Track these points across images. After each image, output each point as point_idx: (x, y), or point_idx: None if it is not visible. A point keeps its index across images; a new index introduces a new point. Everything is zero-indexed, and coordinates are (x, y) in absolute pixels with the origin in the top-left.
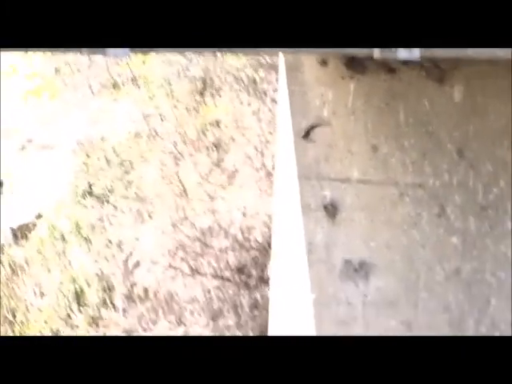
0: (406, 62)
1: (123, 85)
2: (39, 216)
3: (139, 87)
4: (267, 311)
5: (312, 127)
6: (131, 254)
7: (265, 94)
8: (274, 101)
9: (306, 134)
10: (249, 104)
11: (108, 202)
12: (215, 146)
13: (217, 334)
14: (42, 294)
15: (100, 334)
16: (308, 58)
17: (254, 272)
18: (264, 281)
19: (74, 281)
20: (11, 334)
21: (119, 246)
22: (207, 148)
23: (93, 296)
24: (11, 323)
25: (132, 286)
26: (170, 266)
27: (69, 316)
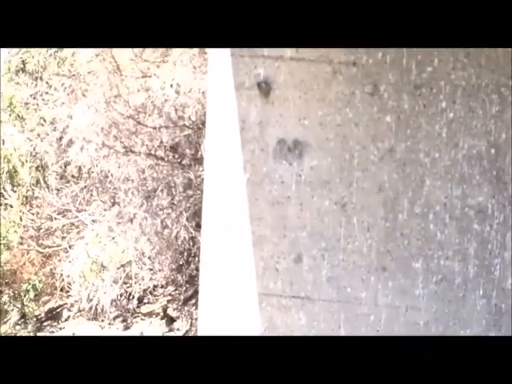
0: None
1: None
2: None
3: None
4: (201, 191)
5: None
6: (64, 132)
7: None
8: None
9: None
10: None
11: (41, 79)
12: None
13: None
14: None
15: (33, 212)
16: None
17: (187, 151)
18: (198, 160)
19: (7, 160)
20: None
21: (52, 123)
22: None
23: (26, 175)
24: None
25: (65, 165)
26: (104, 144)
27: (2, 195)
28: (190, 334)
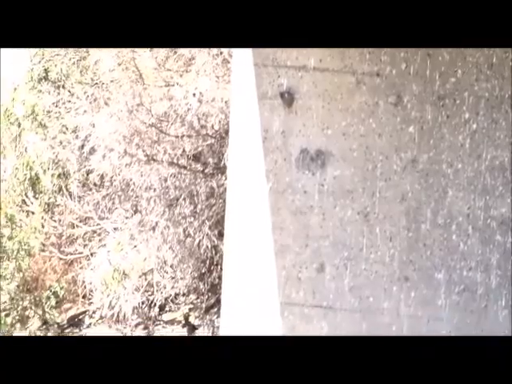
0: None
1: None
2: None
3: None
4: (224, 200)
5: None
6: (87, 140)
7: None
8: None
9: None
10: None
11: (64, 87)
12: None
13: (172, 226)
14: None
15: (55, 220)
16: None
17: (210, 160)
18: (221, 169)
19: (29, 167)
20: None
21: (74, 131)
22: None
23: (48, 182)
24: None
25: (87, 173)
26: (126, 152)
27: (24, 202)
28: None
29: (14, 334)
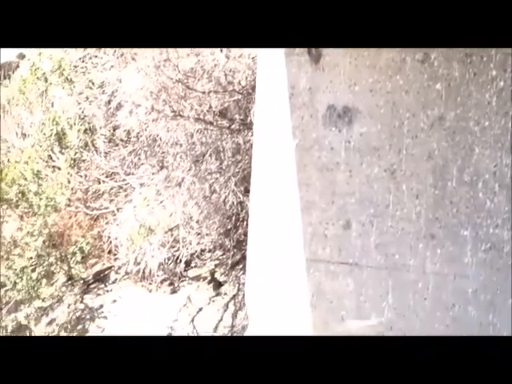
0: None
1: None
2: (21, 56)
3: None
4: (250, 156)
5: None
6: (113, 95)
7: None
8: None
9: None
10: None
11: None
12: None
13: (198, 182)
14: (24, 135)
15: (81, 175)
16: None
17: (236, 116)
18: (247, 125)
19: (55, 122)
20: None
21: (101, 87)
22: None
23: (74, 138)
24: None
25: (114, 129)
26: (153, 108)
27: (50, 157)
28: (238, 299)
29: (39, 292)
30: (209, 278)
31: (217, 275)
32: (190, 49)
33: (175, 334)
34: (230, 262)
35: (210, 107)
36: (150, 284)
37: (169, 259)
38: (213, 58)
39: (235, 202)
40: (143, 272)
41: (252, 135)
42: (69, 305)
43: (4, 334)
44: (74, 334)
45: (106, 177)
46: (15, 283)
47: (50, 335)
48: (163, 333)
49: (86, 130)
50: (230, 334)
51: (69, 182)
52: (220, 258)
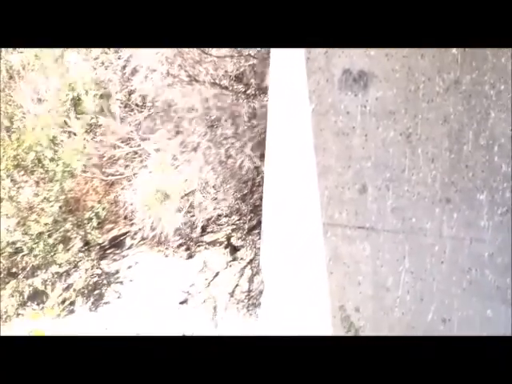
0: None
1: None
2: None
3: None
4: (265, 121)
5: None
6: (128, 60)
7: None
8: None
9: None
10: None
11: None
12: None
13: (214, 147)
14: (40, 101)
15: (97, 140)
16: None
17: (252, 81)
18: (263, 90)
19: (71, 88)
20: (8, 141)
21: (117, 52)
22: None
23: (90, 103)
24: (8, 129)
25: (129, 94)
26: (168, 73)
27: (66, 123)
28: (254, 264)
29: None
30: (225, 243)
31: (233, 240)
32: None
33: (191, 299)
34: (246, 226)
35: (226, 72)
36: (167, 249)
37: (185, 224)
38: None
39: (251, 167)
40: (159, 237)
41: (268, 100)
42: (86, 270)
43: (20, 301)
44: (91, 300)
45: (122, 142)
46: (32, 249)
47: (50, 335)
48: (180, 298)
49: (101, 95)
50: (246, 299)
51: (84, 147)
52: (236, 222)
